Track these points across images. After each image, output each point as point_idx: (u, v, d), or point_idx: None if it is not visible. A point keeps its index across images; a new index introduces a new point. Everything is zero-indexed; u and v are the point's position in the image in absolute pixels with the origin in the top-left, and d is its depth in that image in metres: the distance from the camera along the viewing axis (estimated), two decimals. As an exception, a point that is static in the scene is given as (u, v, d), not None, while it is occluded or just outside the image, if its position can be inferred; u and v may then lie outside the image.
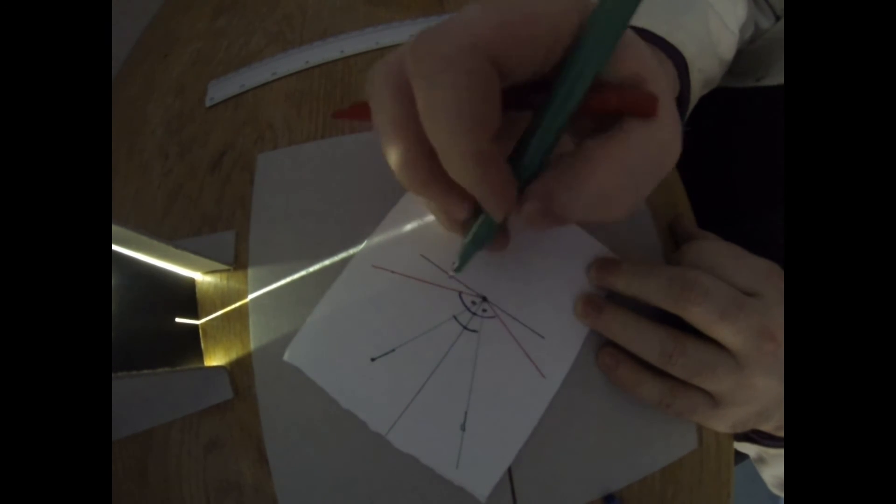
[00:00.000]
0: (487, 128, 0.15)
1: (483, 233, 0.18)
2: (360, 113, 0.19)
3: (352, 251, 0.23)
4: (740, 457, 0.33)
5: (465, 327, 0.22)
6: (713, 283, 0.20)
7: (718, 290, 0.19)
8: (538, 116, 0.16)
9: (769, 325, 0.19)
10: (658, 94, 0.16)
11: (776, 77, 0.34)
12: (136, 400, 0.19)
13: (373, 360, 0.22)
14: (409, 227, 0.24)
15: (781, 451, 0.28)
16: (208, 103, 0.29)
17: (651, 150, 0.17)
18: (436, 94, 0.14)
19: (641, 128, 0.16)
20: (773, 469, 0.31)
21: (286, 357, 0.22)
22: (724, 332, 0.19)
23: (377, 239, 0.24)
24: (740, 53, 0.33)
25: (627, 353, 0.22)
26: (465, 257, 0.20)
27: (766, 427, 0.22)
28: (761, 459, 0.32)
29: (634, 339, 0.21)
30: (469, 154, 0.15)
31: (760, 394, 0.20)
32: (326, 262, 0.23)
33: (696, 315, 0.19)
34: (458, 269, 0.20)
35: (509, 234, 0.21)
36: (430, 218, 0.24)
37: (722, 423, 0.21)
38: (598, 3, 0.15)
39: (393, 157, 0.16)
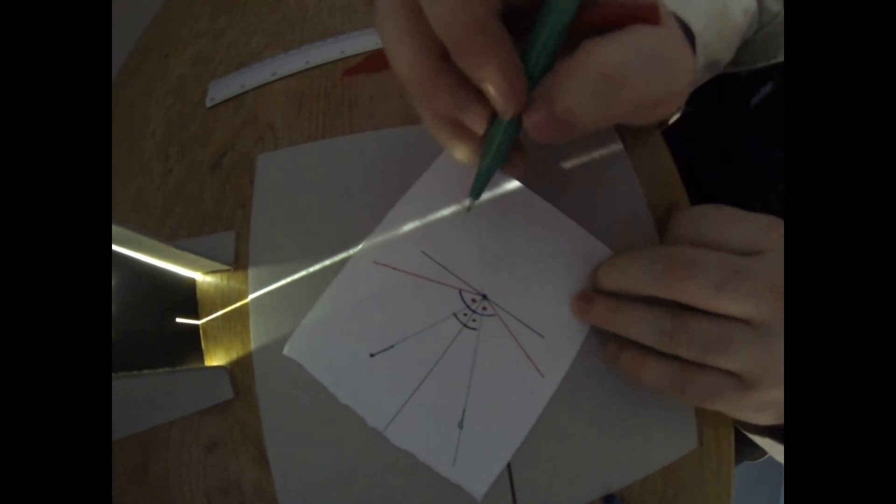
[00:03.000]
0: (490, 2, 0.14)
1: (498, 146, 0.17)
2: (372, 65, 0.18)
3: (352, 251, 0.23)
4: (740, 457, 0.33)
5: (464, 325, 0.22)
6: (699, 254, 0.18)
7: (707, 259, 0.18)
8: (535, 28, 0.16)
9: (778, 281, 0.17)
10: (657, 4, 0.16)
11: None
12: (136, 400, 0.19)
13: (372, 355, 0.22)
14: (410, 224, 0.24)
15: None
16: (208, 103, 0.29)
17: (655, 41, 0.16)
18: None
19: (645, 27, 0.15)
20: None
21: (286, 351, 0.22)
22: (728, 303, 0.17)
23: (379, 235, 0.24)
24: (747, 41, 0.33)
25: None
26: (480, 179, 0.19)
27: None
28: None
29: (629, 323, 0.20)
30: (473, 21, 0.14)
31: None
32: (326, 262, 0.23)
33: (691, 292, 0.18)
34: (474, 195, 0.20)
35: (525, 153, 0.19)
36: (433, 215, 0.24)
37: (761, 409, 0.18)
38: None
39: (404, 62, 0.16)
